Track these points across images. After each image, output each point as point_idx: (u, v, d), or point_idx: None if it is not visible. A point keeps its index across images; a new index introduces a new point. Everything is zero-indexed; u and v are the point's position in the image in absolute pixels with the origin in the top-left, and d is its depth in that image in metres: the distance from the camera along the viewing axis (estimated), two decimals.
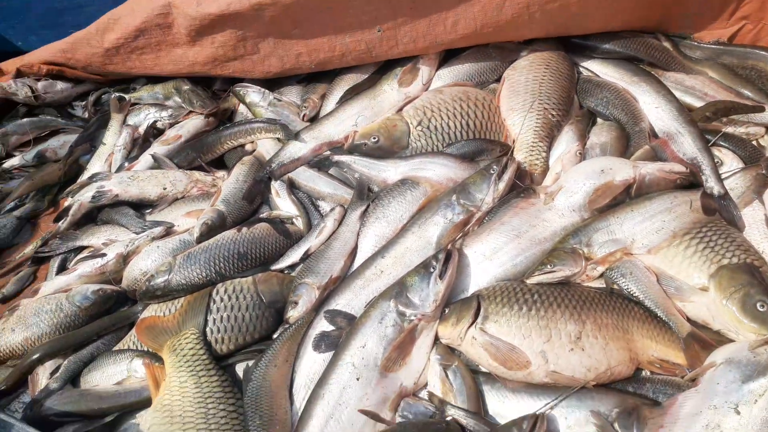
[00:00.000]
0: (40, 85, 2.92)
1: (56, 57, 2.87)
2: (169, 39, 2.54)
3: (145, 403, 1.83)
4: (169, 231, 2.33)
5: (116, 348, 2.05)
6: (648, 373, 1.76)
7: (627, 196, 2.02)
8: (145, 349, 1.97)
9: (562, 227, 1.96)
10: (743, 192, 2.05)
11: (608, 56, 2.57)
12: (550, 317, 1.71)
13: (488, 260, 1.92)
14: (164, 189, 2.44)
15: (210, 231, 2.21)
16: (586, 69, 2.61)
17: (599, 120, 2.45)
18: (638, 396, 1.67)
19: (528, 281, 1.83)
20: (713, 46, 2.58)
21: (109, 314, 2.16)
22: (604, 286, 1.90)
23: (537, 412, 1.56)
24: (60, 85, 3.01)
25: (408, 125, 2.37)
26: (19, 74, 2.91)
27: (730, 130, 2.27)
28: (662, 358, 1.74)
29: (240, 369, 1.91)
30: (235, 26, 2.40)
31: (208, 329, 1.92)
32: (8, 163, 2.89)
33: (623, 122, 2.35)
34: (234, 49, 2.54)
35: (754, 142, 2.27)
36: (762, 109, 2.28)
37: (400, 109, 2.48)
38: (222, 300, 1.97)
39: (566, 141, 2.30)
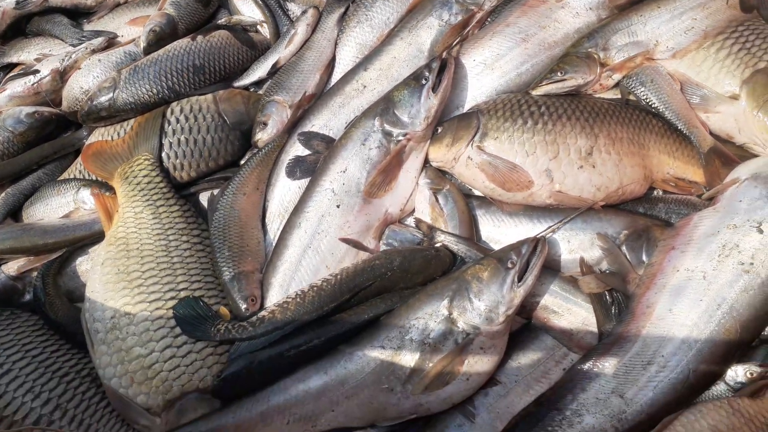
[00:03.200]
0: None
1: None
2: None
3: (97, 237, 1.68)
4: (111, 42, 2.05)
5: (61, 178, 1.86)
6: (661, 193, 1.63)
7: None
8: (94, 178, 1.78)
9: (576, 29, 1.73)
10: None
11: None
12: (558, 131, 1.52)
13: (489, 69, 1.70)
14: None
15: (159, 39, 1.93)
16: None
17: None
18: (649, 217, 1.55)
19: (534, 92, 1.63)
20: None
21: (50, 141, 1.94)
22: (619, 96, 1.69)
23: (538, 236, 1.42)
24: None
25: None
26: None
27: None
28: (679, 175, 1.60)
29: (204, 199, 1.74)
30: None
31: (164, 154, 1.73)
32: None
33: None
34: None
35: None
36: None
37: None
38: (178, 121, 1.75)
39: None
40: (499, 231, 1.58)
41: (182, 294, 1.44)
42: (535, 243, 1.37)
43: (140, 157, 1.69)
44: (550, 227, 1.49)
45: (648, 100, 1.63)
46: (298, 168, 1.66)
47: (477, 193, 1.64)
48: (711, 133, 1.62)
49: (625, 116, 1.59)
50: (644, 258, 1.46)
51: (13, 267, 1.70)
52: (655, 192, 1.63)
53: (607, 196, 1.51)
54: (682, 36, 1.64)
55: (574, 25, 1.72)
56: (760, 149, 1.57)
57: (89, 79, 1.94)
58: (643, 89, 1.64)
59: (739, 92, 1.57)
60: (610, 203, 1.54)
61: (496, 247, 1.53)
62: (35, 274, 1.69)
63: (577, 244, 1.50)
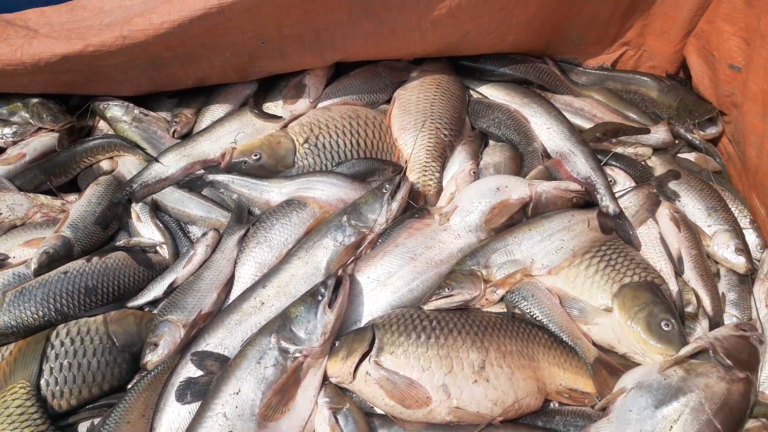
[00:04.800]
0: None
1: None
2: (12, 66, 2.10)
3: None
4: (1, 263, 1.95)
5: None
6: (557, 405, 1.64)
7: (524, 215, 1.94)
8: None
9: (458, 248, 1.83)
10: (637, 211, 2.02)
11: (499, 78, 2.52)
12: (451, 345, 1.55)
13: (382, 286, 1.74)
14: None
15: (51, 261, 1.86)
16: (477, 92, 2.55)
17: (491, 142, 2.38)
18: (548, 431, 1.54)
19: (425, 307, 1.68)
20: (598, 72, 2.61)
21: None
22: (505, 310, 1.77)
23: None
24: None
25: (294, 142, 2.17)
26: None
27: (619, 150, 2.27)
28: (571, 386, 1.63)
29: (84, 429, 1.59)
30: (95, 59, 2.05)
31: (43, 381, 1.58)
32: None
33: (516, 143, 2.29)
34: (94, 75, 2.21)
35: (644, 162, 2.27)
36: (647, 131, 2.32)
37: (285, 126, 2.27)
38: (63, 344, 1.64)
39: (460, 161, 2.20)
40: None
41: None
42: None
43: (15, 386, 1.54)
44: None
45: (532, 314, 1.71)
46: (188, 391, 1.55)
47: (378, 411, 1.58)
48: (594, 344, 1.69)
49: (512, 330, 1.65)
50: None
51: None
52: (551, 404, 1.63)
53: (505, 410, 1.50)
54: (554, 255, 1.79)
55: (457, 245, 1.83)
56: (640, 358, 1.65)
57: None
58: (525, 303, 1.72)
59: (611, 305, 1.69)
60: (508, 418, 1.52)
61: None
62: None
63: None
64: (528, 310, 1.72)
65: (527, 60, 2.54)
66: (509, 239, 1.81)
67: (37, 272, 1.84)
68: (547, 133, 2.29)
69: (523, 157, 2.25)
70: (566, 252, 1.80)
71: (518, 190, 1.92)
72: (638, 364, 1.65)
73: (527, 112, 2.37)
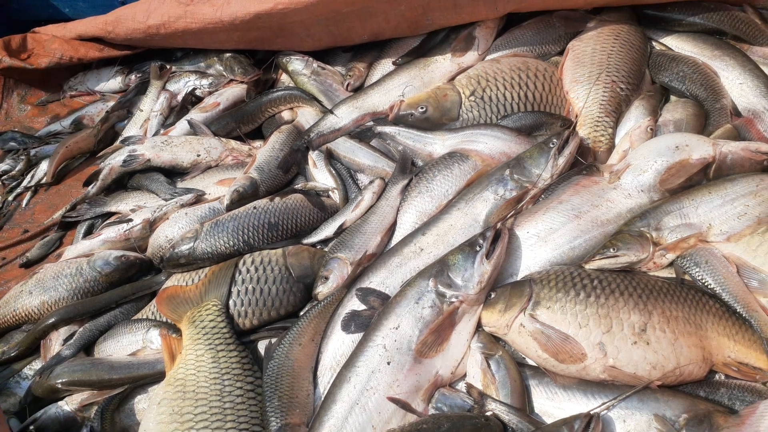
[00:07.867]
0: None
1: (97, 31, 2.80)
2: (212, 24, 2.41)
3: (159, 376, 1.72)
4: (199, 198, 2.23)
5: (134, 318, 1.95)
6: (723, 377, 1.55)
7: (704, 177, 1.80)
8: (164, 320, 1.86)
9: (628, 209, 1.75)
10: None
11: (687, 29, 2.31)
12: (612, 305, 1.51)
13: (542, 242, 1.72)
14: (198, 156, 2.34)
15: (241, 198, 2.10)
16: (660, 44, 2.36)
17: (672, 98, 2.21)
18: (711, 401, 1.46)
19: (587, 266, 1.63)
20: None
21: (131, 282, 2.07)
22: (674, 276, 1.67)
23: (591, 412, 1.36)
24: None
25: (460, 95, 2.19)
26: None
27: None
28: (740, 360, 1.52)
29: (263, 347, 1.78)
30: (283, 17, 2.26)
31: (231, 302, 1.80)
32: (45, 130, 2.86)
33: (701, 99, 2.10)
34: (281, 30, 2.42)
35: None
36: None
37: (452, 79, 2.29)
38: (248, 271, 1.84)
39: (636, 116, 2.07)
40: (552, 404, 1.51)
41: None
42: (589, 419, 1.33)
43: (209, 303, 1.78)
44: (604, 404, 1.43)
45: (704, 281, 1.61)
46: (353, 322, 1.69)
47: (530, 362, 1.60)
48: None
49: (680, 295, 1.56)
50: None
51: (76, 400, 1.75)
52: (717, 376, 1.54)
53: (664, 375, 1.45)
54: (735, 221, 1.64)
55: (627, 205, 1.75)
56: None
57: (174, 230, 2.09)
58: (698, 270, 1.62)
59: None
60: (667, 384, 1.46)
61: (548, 420, 1.48)
62: (95, 408, 1.73)
63: (633, 425, 1.41)
64: (700, 277, 1.62)
65: (722, 7, 2.29)
66: (685, 201, 1.70)
67: (229, 207, 2.09)
68: (739, 88, 2.10)
69: (708, 114, 2.07)
70: (750, 218, 1.65)
71: (700, 149, 1.78)
72: None
73: (718, 66, 2.17)
